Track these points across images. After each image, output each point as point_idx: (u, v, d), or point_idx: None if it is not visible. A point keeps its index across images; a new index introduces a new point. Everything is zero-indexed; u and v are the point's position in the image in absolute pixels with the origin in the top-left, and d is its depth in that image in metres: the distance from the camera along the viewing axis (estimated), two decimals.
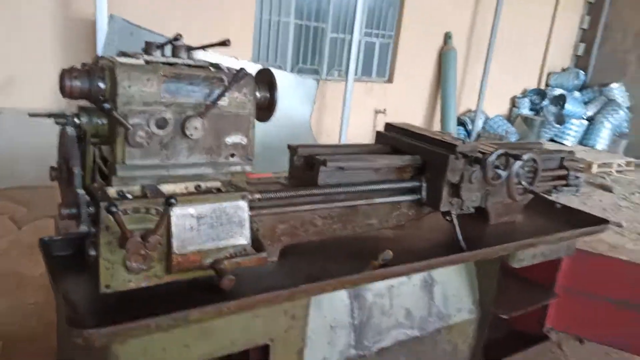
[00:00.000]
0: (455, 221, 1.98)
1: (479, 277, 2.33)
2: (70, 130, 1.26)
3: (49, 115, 1.29)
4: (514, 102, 9.67)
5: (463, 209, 2.03)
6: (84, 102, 1.35)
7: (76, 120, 1.27)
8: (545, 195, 2.19)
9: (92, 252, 1.22)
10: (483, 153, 1.95)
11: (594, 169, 7.68)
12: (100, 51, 4.58)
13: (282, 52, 6.91)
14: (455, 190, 1.95)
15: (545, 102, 9.39)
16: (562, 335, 2.99)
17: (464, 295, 2.28)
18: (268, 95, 1.58)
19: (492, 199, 2.13)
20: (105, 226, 1.18)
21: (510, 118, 9.46)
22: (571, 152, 2.63)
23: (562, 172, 2.50)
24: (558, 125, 9.05)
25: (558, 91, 9.58)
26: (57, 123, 1.27)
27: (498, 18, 7.94)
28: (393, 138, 2.17)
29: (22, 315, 2.69)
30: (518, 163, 1.98)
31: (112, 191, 1.27)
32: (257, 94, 1.55)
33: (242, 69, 1.41)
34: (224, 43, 1.63)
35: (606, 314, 2.58)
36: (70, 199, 1.21)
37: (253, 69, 1.63)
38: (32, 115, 1.34)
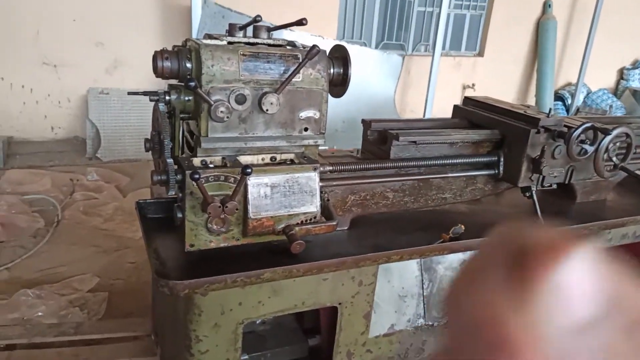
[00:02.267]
0: (535, 197, 1.92)
1: None
2: (161, 106, 1.42)
3: (144, 93, 1.46)
4: (622, 74, 8.81)
5: (544, 185, 1.96)
6: (175, 81, 1.50)
7: (166, 97, 1.42)
8: (639, 174, 2.04)
9: (179, 215, 1.37)
10: (569, 127, 1.86)
11: None
12: (194, 34, 4.89)
13: (367, 28, 6.87)
14: (536, 165, 1.88)
15: None
16: None
17: None
18: (341, 71, 1.63)
19: (577, 176, 2.04)
20: (190, 192, 1.33)
21: (617, 92, 8.65)
22: None
23: None
24: None
25: None
26: (150, 100, 1.43)
27: None
28: (471, 112, 2.14)
29: (123, 272, 3.04)
30: (607, 138, 1.87)
31: (196, 161, 1.41)
32: (331, 71, 1.61)
33: (314, 46, 1.47)
34: (301, 22, 1.69)
35: None
36: (161, 168, 1.37)
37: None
38: (130, 93, 1.52)
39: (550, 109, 2.00)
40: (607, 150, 1.88)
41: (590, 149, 1.84)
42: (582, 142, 1.83)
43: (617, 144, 1.93)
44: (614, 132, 1.82)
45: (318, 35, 5.40)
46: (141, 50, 5.28)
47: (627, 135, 1.92)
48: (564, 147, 1.85)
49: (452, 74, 7.28)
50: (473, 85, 7.37)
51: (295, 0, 6.04)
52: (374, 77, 6.09)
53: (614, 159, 1.95)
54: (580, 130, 1.78)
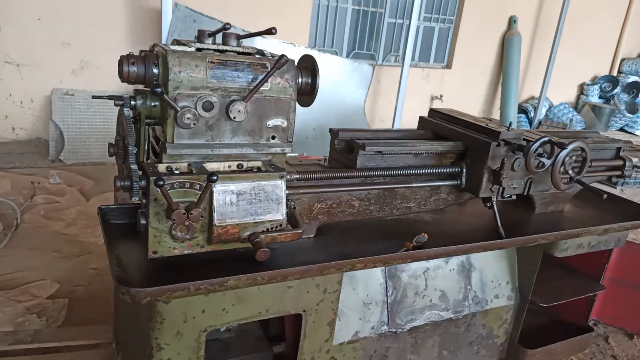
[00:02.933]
0: (495, 207, 1.99)
1: (519, 265, 2.31)
2: (126, 111, 1.40)
3: (109, 97, 1.44)
4: (582, 90, 9.18)
5: (504, 196, 2.03)
6: (141, 86, 1.49)
7: (132, 102, 1.41)
8: (593, 187, 2.13)
9: (143, 221, 1.36)
10: (528, 141, 1.93)
11: None
12: (164, 38, 4.84)
13: (338, 37, 6.95)
14: (496, 177, 1.94)
15: (617, 90, 8.83)
16: (611, 329, 2.90)
17: (502, 281, 2.28)
18: (310, 80, 1.66)
19: (536, 188, 2.11)
20: (154, 198, 1.32)
21: (577, 106, 9.00)
22: (628, 142, 2.53)
23: (618, 163, 2.41)
24: (630, 115, 8.51)
25: (632, 78, 8.97)
26: (115, 105, 1.42)
27: (567, 1, 7.54)
28: (436, 124, 2.19)
29: (85, 279, 2.97)
30: (564, 152, 1.95)
31: (161, 167, 1.40)
32: (299, 80, 1.63)
33: (282, 55, 1.49)
34: (270, 31, 1.70)
35: None
36: (125, 173, 1.36)
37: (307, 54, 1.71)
38: (95, 97, 1.50)
39: (510, 123, 2.07)
40: (563, 163, 1.96)
41: (548, 162, 1.91)
42: (540, 155, 1.90)
43: (573, 157, 2.02)
44: (570, 147, 1.89)
45: (290, 42, 5.43)
46: (109, 52, 5.18)
47: (583, 149, 2.01)
48: (522, 159, 1.92)
49: (421, 85, 7.43)
50: (441, 96, 7.54)
51: (268, 8, 6.05)
52: (345, 85, 6.16)
53: (570, 172, 2.03)
54: (538, 144, 1.86)
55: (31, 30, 5.07)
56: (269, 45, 5.15)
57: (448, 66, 7.78)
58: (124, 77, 1.37)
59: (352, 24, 6.95)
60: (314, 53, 5.79)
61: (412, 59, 7.01)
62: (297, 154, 5.29)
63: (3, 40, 5.00)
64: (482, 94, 8.15)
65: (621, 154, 2.42)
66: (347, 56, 7.01)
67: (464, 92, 7.84)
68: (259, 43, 5.05)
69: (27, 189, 4.09)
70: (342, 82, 6.13)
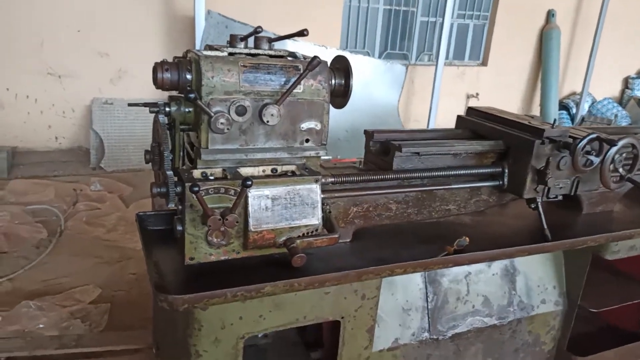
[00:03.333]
0: (540, 209, 1.90)
1: (567, 268, 2.21)
2: (161, 117, 1.41)
3: (144, 105, 1.45)
4: (627, 83, 8.78)
5: (549, 197, 1.93)
6: (176, 93, 1.49)
7: (166, 108, 1.41)
8: None
9: (179, 228, 1.36)
10: (574, 138, 1.84)
11: None
12: (198, 45, 4.91)
13: (370, 38, 6.89)
14: (541, 176, 1.86)
15: None
16: None
17: (549, 286, 2.18)
18: (343, 82, 1.62)
19: (583, 187, 2.01)
20: (190, 204, 1.31)
21: (622, 100, 8.62)
22: None
23: None
24: None
25: None
26: (150, 111, 1.42)
27: None
28: (475, 122, 2.12)
29: (125, 284, 3.03)
30: (613, 149, 1.84)
31: (196, 173, 1.39)
32: (332, 81, 1.60)
33: (315, 57, 1.46)
34: (302, 33, 1.68)
35: None
36: (161, 180, 1.36)
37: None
38: (131, 104, 1.51)
39: (554, 120, 1.98)
40: (613, 161, 1.86)
41: (596, 160, 1.81)
42: (588, 153, 1.81)
43: (623, 154, 1.91)
44: (620, 143, 1.79)
45: (321, 45, 5.42)
46: (145, 61, 5.28)
47: (634, 146, 1.90)
48: (569, 158, 1.82)
49: (455, 84, 7.28)
50: (477, 94, 7.36)
51: (298, 11, 6.06)
52: (378, 86, 6.09)
53: (620, 170, 1.93)
54: (585, 141, 1.76)
55: (70, 42, 5.24)
56: (300, 48, 5.15)
57: (484, 64, 7.59)
58: (158, 83, 1.38)
59: (384, 24, 6.88)
60: (345, 54, 5.75)
61: (447, 58, 6.88)
62: (330, 157, 5.28)
63: (46, 53, 5.19)
64: (520, 91, 7.91)
65: None
66: (380, 57, 6.95)
67: (501, 89, 7.63)
68: (291, 46, 5.06)
69: (69, 196, 4.22)
70: (374, 83, 6.06)
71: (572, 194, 1.98)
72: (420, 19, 7.02)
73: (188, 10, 5.30)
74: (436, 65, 6.09)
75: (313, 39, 5.38)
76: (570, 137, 1.85)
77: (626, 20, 8.14)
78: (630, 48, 8.56)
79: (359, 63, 5.92)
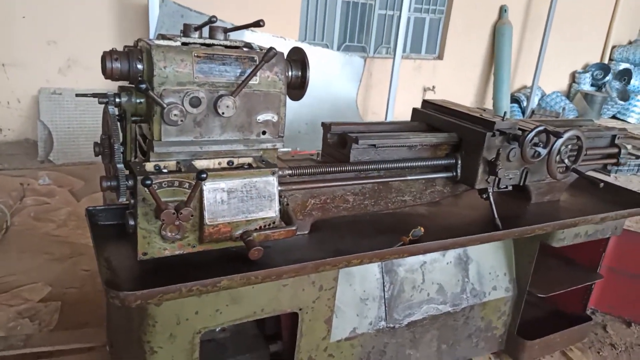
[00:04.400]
0: (491, 199, 1.96)
1: (516, 256, 2.29)
2: (111, 109, 1.36)
3: (93, 95, 1.39)
4: (574, 78, 9.18)
5: (500, 187, 2.00)
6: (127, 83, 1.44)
7: (117, 99, 1.37)
8: (589, 175, 2.11)
9: (131, 222, 1.32)
10: (523, 130, 1.90)
11: None
12: (152, 34, 4.77)
13: (329, 30, 6.89)
14: (492, 168, 1.92)
15: (609, 78, 8.84)
16: (609, 317, 2.90)
17: (500, 273, 2.26)
18: (300, 74, 1.61)
19: (532, 177, 2.09)
20: (142, 198, 1.28)
21: (569, 94, 9.01)
22: (623, 129, 2.51)
23: (613, 151, 2.39)
24: (622, 102, 8.52)
25: (623, 65, 8.98)
26: (100, 102, 1.37)
27: None
28: (430, 115, 2.16)
29: (77, 281, 2.92)
30: (559, 141, 1.92)
31: (149, 166, 1.36)
32: (289, 73, 1.59)
33: (271, 48, 1.45)
34: (258, 23, 1.65)
35: None
36: (112, 173, 1.32)
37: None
38: (79, 95, 1.45)
39: (505, 113, 2.04)
40: (559, 152, 1.94)
41: (544, 151, 1.89)
42: (536, 145, 1.88)
43: (569, 146, 1.99)
44: (566, 135, 1.87)
45: (279, 36, 5.37)
46: (96, 50, 5.07)
47: (578, 138, 1.99)
48: (518, 149, 1.89)
49: (413, 77, 7.39)
50: (433, 87, 7.51)
51: (257, 1, 5.98)
52: (337, 79, 6.11)
53: (566, 161, 2.01)
54: (533, 133, 1.83)
55: (16, 29, 4.97)
56: (258, 39, 5.08)
57: (440, 57, 7.74)
58: (107, 73, 1.33)
59: (343, 17, 6.89)
60: (304, 46, 5.72)
61: (404, 51, 6.97)
62: (290, 149, 5.25)
63: None
64: (475, 84, 8.12)
65: (616, 141, 2.40)
66: (338, 49, 6.96)
67: (457, 82, 7.81)
68: (249, 37, 4.99)
69: (16, 191, 4.02)
70: (333, 76, 6.08)
71: (521, 184, 2.06)
72: (378, 12, 7.08)
73: None
74: (394, 58, 6.16)
75: (271, 30, 5.33)
76: (519, 129, 1.92)
77: (574, 17, 8.48)
78: (578, 44, 8.94)
79: (318, 55, 5.91)
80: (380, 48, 7.31)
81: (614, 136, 2.39)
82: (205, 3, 5.33)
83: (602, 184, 2.04)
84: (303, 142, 5.32)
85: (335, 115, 5.77)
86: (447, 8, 7.54)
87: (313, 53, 5.83)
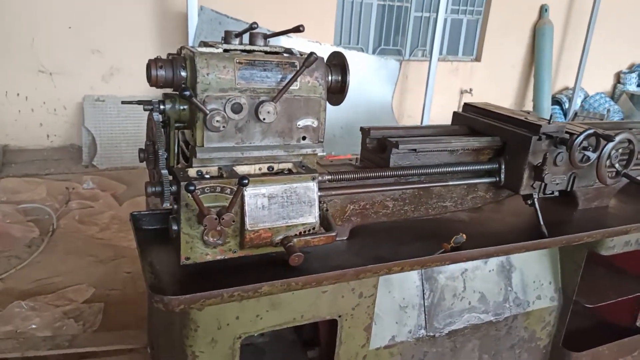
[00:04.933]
0: (537, 205, 1.89)
1: (562, 264, 2.21)
2: (156, 115, 1.38)
3: (138, 102, 1.42)
4: (619, 78, 8.83)
5: (546, 193, 1.93)
6: (170, 90, 1.47)
7: (161, 106, 1.39)
8: None
9: (175, 227, 1.34)
10: (571, 134, 1.83)
11: None
12: (191, 41, 4.87)
13: (364, 33, 6.87)
14: (538, 172, 1.85)
15: None
16: None
17: (545, 282, 2.18)
18: (340, 78, 1.61)
19: (579, 183, 2.01)
20: (185, 204, 1.29)
21: (614, 95, 8.66)
22: None
23: None
24: None
25: None
26: (144, 109, 1.40)
27: None
28: (471, 119, 2.11)
29: (119, 283, 3.01)
30: (610, 144, 1.84)
31: (192, 171, 1.37)
32: (329, 78, 1.58)
33: (312, 53, 1.44)
34: (298, 29, 1.66)
35: None
36: (156, 179, 1.34)
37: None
38: (124, 102, 1.49)
39: (551, 116, 1.98)
40: (609, 156, 1.86)
41: (593, 155, 1.81)
42: (585, 148, 1.80)
43: (620, 150, 1.91)
44: (617, 139, 1.79)
45: (315, 41, 5.39)
46: (138, 57, 5.25)
47: (630, 141, 1.90)
48: (566, 154, 1.82)
49: (449, 79, 7.28)
50: (470, 90, 7.37)
51: (292, 7, 6.03)
52: (372, 82, 6.08)
53: (617, 165, 1.93)
54: (582, 137, 1.76)
55: (62, 39, 5.18)
56: (294, 44, 5.11)
57: (477, 59, 7.60)
58: (152, 81, 1.35)
59: (378, 20, 6.85)
60: (339, 50, 5.73)
61: (440, 53, 6.87)
62: (325, 153, 5.26)
63: (36, 50, 5.13)
64: (514, 86, 7.93)
65: None
66: (374, 52, 6.93)
67: (495, 85, 7.64)
68: (285, 43, 5.02)
69: (62, 195, 4.17)
70: (368, 79, 6.05)
71: (569, 189, 1.98)
72: (414, 14, 7.01)
73: (181, 6, 5.25)
74: (430, 61, 6.08)
75: (307, 35, 5.35)
76: (566, 132, 1.85)
77: (617, 15, 8.17)
78: (622, 43, 8.60)
79: (353, 59, 5.86)
80: (416, 51, 7.23)
81: None
82: (242, 10, 5.42)
83: None
84: (338, 146, 5.32)
85: (370, 119, 5.74)
86: (485, 9, 7.40)
87: (348, 57, 5.81)
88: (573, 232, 1.93)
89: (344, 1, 6.57)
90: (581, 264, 2.14)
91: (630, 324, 2.51)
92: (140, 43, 5.44)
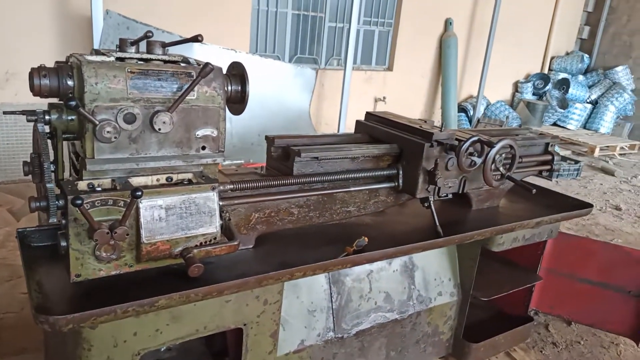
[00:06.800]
0: (432, 207, 2.02)
1: (460, 261, 2.37)
2: (40, 126, 1.32)
3: (22, 112, 1.35)
4: (516, 87, 9.60)
5: (441, 195, 2.06)
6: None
7: (46, 117, 1.33)
8: (523, 182, 2.21)
9: (63, 243, 1.28)
10: (459, 140, 1.97)
11: (597, 152, 7.62)
12: (96, 46, 4.64)
13: (280, 42, 6.92)
14: (431, 177, 1.97)
15: (549, 87, 9.30)
16: (550, 317, 3.02)
17: (445, 279, 2.33)
18: (239, 88, 1.62)
19: (470, 185, 2.16)
20: (74, 218, 1.24)
21: (512, 103, 9.40)
22: (555, 137, 2.65)
23: (547, 158, 2.52)
24: (561, 110, 8.98)
25: (561, 75, 9.48)
26: (28, 120, 1.33)
27: (499, 3, 7.87)
28: (372, 127, 2.21)
29: (16, 305, 2.78)
30: (493, 150, 2.00)
31: (82, 184, 1.32)
32: (228, 88, 1.59)
33: (207, 63, 1.45)
34: (196, 38, 1.65)
35: (588, 295, 2.61)
36: (42, 193, 1.27)
37: (250, 60, 1.67)
38: (6, 113, 1.40)
39: (442, 124, 2.12)
40: (494, 161, 2.02)
41: (479, 160, 1.97)
42: (471, 154, 1.95)
43: (503, 155, 2.08)
44: (499, 145, 1.95)
45: (230, 49, 5.35)
46: (37, 62, 4.91)
47: (511, 147, 2.08)
48: (455, 159, 1.96)
49: (364, 87, 7.52)
50: (384, 98, 7.66)
51: (207, 14, 5.93)
52: (289, 90, 6.13)
53: (501, 169, 2.10)
54: (468, 143, 1.90)
55: None
56: (208, 51, 5.04)
57: (389, 68, 7.92)
58: (35, 90, 1.29)
59: (293, 29, 6.94)
60: (255, 59, 5.72)
61: (354, 62, 7.08)
62: (242, 161, 5.22)
63: None
64: (424, 94, 8.35)
65: (549, 149, 2.53)
66: (290, 61, 6.99)
67: (407, 93, 8.00)
68: (198, 50, 4.93)
69: None
70: (285, 87, 6.09)
71: (461, 192, 2.13)
72: (329, 24, 7.17)
73: (85, 9, 4.99)
74: (344, 70, 6.25)
75: (222, 42, 5.30)
76: (456, 139, 1.99)
77: (515, 30, 8.89)
78: (519, 55, 9.37)
79: (269, 67, 5.91)
80: (332, 60, 7.40)
81: (547, 144, 2.52)
82: (154, 16, 5.26)
83: (534, 190, 2.14)
84: (256, 154, 5.30)
85: (288, 127, 5.78)
86: (395, 21, 7.74)
87: (264, 65, 5.84)
88: (465, 231, 2.08)
89: (259, 10, 6.59)
90: (476, 260, 2.30)
91: (522, 313, 2.74)
92: (40, 47, 5.09)
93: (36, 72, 1.28)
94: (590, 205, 2.56)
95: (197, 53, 5.17)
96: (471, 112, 8.24)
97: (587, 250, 2.60)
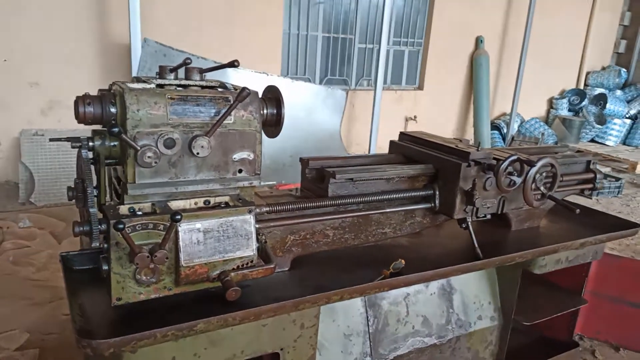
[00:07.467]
0: (471, 228, 1.97)
1: (500, 284, 2.29)
2: (84, 152, 1.36)
3: (67, 139, 1.39)
4: (551, 104, 9.41)
5: (478, 216, 2.01)
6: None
7: (90, 143, 1.37)
8: (565, 201, 2.14)
9: (105, 267, 1.30)
10: (498, 159, 1.93)
11: (638, 168, 7.34)
12: (134, 73, 4.81)
13: (310, 64, 7.01)
14: (469, 197, 1.93)
15: (585, 102, 9.08)
16: (596, 342, 2.88)
17: (484, 302, 2.26)
18: (275, 111, 1.63)
19: (510, 206, 2.11)
20: (115, 242, 1.26)
21: (547, 120, 9.21)
22: (597, 154, 2.56)
23: (589, 176, 2.43)
24: (599, 126, 8.73)
25: (598, 90, 9.24)
26: (72, 147, 1.37)
27: (531, 19, 7.79)
28: (406, 147, 2.19)
29: (57, 326, 2.85)
30: (533, 169, 1.95)
31: (123, 209, 1.35)
32: (264, 111, 1.61)
33: (244, 88, 1.47)
34: (233, 64, 1.68)
35: (638, 320, 2.48)
36: (85, 217, 1.31)
37: (281, 83, 1.69)
38: (52, 140, 1.45)
39: (479, 143, 2.08)
40: (534, 180, 1.96)
41: (519, 180, 1.91)
42: (510, 174, 1.90)
43: (544, 173, 2.02)
44: (539, 164, 1.90)
45: (262, 72, 5.45)
46: (78, 90, 5.10)
47: (552, 165, 2.02)
48: (494, 179, 1.91)
49: (394, 107, 7.51)
50: (415, 117, 7.63)
51: (239, 39, 6.09)
52: (320, 112, 6.18)
53: (542, 188, 2.04)
54: (507, 162, 1.86)
55: None
56: (240, 76, 5.16)
57: (420, 87, 7.90)
58: (80, 118, 1.33)
59: (324, 51, 7.03)
60: (286, 81, 5.82)
61: (384, 82, 7.10)
62: (275, 182, 5.26)
63: None
64: (455, 113, 8.28)
65: (591, 166, 2.45)
66: (320, 83, 7.07)
67: (438, 112, 7.95)
68: (231, 74, 5.05)
69: None
70: (316, 109, 6.15)
71: (500, 212, 2.07)
72: (358, 45, 7.24)
73: (124, 37, 5.20)
74: (375, 90, 6.27)
75: (254, 66, 5.41)
76: (494, 159, 1.95)
77: (548, 45, 8.76)
78: (553, 71, 9.21)
79: (300, 89, 6.00)
80: (362, 80, 7.45)
81: (588, 162, 2.44)
82: (188, 42, 5.42)
83: (578, 210, 2.06)
84: (288, 175, 5.34)
85: (319, 147, 5.82)
86: (424, 40, 7.75)
87: (296, 87, 5.92)
88: (506, 253, 2.01)
89: (289, 34, 6.71)
90: (517, 283, 2.23)
91: (567, 338, 2.62)
92: (82, 76, 5.32)
93: (81, 101, 1.33)
94: (637, 225, 2.45)
95: (231, 77, 5.29)
96: (504, 130, 8.10)
97: (636, 271, 2.48)
